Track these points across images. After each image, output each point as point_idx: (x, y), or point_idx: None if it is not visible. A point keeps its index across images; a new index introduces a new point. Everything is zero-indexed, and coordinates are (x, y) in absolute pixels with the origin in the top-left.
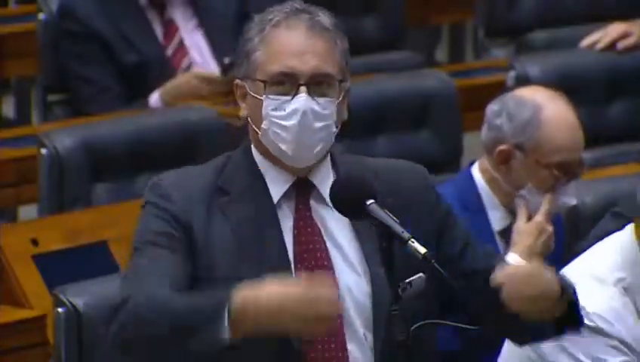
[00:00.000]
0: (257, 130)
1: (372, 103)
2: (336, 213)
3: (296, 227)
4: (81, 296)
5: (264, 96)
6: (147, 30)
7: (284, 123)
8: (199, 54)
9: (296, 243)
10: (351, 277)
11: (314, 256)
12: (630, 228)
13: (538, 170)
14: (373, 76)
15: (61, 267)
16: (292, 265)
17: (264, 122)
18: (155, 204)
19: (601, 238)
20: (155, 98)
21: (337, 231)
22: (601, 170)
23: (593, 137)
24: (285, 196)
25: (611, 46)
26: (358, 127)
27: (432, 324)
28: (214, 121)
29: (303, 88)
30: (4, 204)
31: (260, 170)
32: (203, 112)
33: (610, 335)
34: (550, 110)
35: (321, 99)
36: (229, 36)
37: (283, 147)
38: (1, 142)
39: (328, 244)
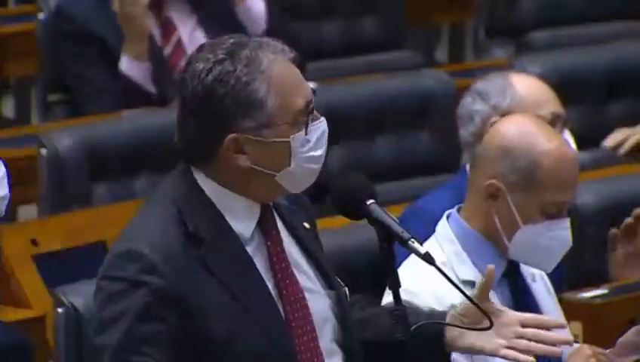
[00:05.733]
0: (274, 172)
1: (372, 103)
2: (283, 230)
3: (273, 254)
4: (81, 296)
5: (291, 137)
6: None
7: (314, 153)
8: None
9: (275, 276)
10: (316, 296)
11: (288, 284)
12: None
13: None
14: (373, 76)
15: (61, 267)
16: (276, 302)
17: (293, 162)
18: (138, 283)
19: None
20: (124, 62)
21: (292, 248)
22: (601, 170)
23: (593, 137)
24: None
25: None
26: (358, 127)
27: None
28: None
29: (316, 113)
30: None
31: (216, 207)
32: None
33: None
34: (516, 74)
35: None
36: (230, 32)
37: (310, 179)
38: (1, 142)
39: (292, 266)
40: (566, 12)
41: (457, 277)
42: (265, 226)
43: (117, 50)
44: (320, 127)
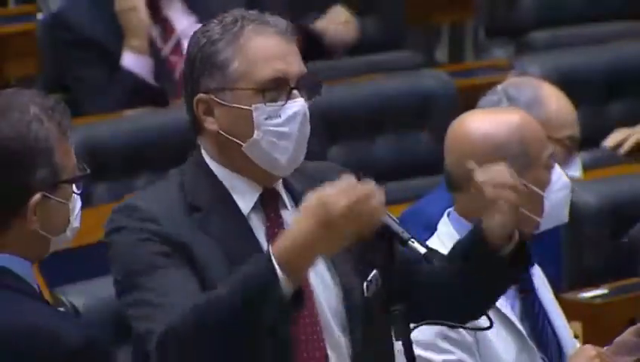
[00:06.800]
0: (240, 141)
1: (372, 103)
2: (293, 214)
3: (270, 237)
4: (81, 296)
5: (254, 105)
6: None
7: (282, 130)
8: None
9: None
10: (322, 282)
11: None
12: None
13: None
14: (373, 76)
15: (61, 267)
16: None
17: (256, 132)
18: (140, 230)
19: None
20: (126, 58)
21: None
22: (601, 170)
23: (593, 137)
24: (253, 206)
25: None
26: (358, 127)
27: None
28: None
29: (295, 92)
30: None
31: (221, 182)
32: None
33: None
34: (548, 88)
35: (308, 102)
36: None
37: (278, 156)
38: None
39: None
40: (566, 12)
41: None
42: (266, 208)
43: (116, 52)
44: (293, 106)
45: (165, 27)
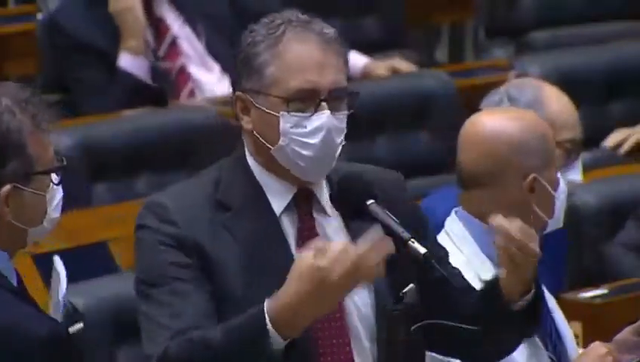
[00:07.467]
0: (269, 145)
1: (372, 103)
2: (333, 220)
3: (300, 238)
4: (81, 296)
5: (281, 113)
6: None
7: (306, 140)
8: (193, 50)
9: None
10: (354, 292)
11: None
12: None
13: None
14: (373, 76)
15: None
16: None
17: (282, 139)
18: (159, 231)
19: (627, 246)
20: (123, 59)
21: (336, 240)
22: (601, 170)
23: (593, 137)
24: (286, 207)
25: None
26: (358, 127)
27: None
28: (214, 121)
29: (324, 104)
30: None
31: (257, 181)
32: (203, 112)
33: None
34: (549, 89)
35: (339, 114)
36: (221, 33)
37: (302, 163)
38: None
39: None
40: (566, 12)
41: (479, 277)
42: (299, 210)
43: (113, 53)
44: (320, 118)
45: (159, 27)
